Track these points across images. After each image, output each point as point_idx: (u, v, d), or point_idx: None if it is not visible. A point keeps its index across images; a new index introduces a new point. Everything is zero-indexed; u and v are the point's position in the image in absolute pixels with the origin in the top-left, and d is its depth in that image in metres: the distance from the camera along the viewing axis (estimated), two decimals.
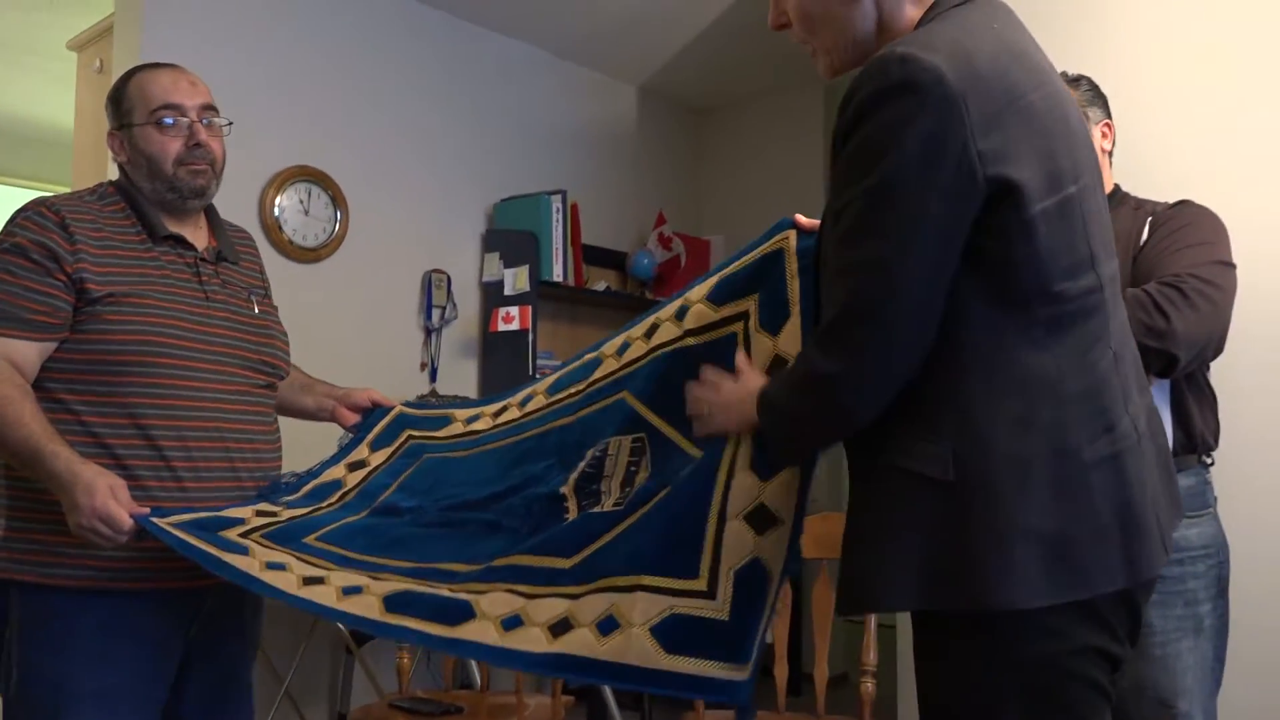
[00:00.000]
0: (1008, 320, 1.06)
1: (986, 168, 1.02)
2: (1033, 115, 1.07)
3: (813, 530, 1.41)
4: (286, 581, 1.44)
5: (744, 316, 1.44)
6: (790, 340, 1.36)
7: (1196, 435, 1.72)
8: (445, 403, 1.92)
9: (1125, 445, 1.08)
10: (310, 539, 1.58)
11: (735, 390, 1.31)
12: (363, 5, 3.42)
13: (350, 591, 1.43)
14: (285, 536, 1.57)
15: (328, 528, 1.62)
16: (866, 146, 1.06)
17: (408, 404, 1.91)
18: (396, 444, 1.83)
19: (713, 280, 1.51)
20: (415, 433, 1.84)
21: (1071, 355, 1.07)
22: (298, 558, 1.51)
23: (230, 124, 1.77)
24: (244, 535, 1.54)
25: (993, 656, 1.06)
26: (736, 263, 1.47)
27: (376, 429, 1.86)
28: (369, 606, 1.39)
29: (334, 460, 1.83)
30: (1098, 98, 1.89)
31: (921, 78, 1.02)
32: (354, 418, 1.89)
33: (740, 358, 1.37)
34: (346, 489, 1.75)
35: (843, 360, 1.08)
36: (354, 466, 1.80)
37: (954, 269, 1.05)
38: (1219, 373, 1.80)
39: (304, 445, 2.00)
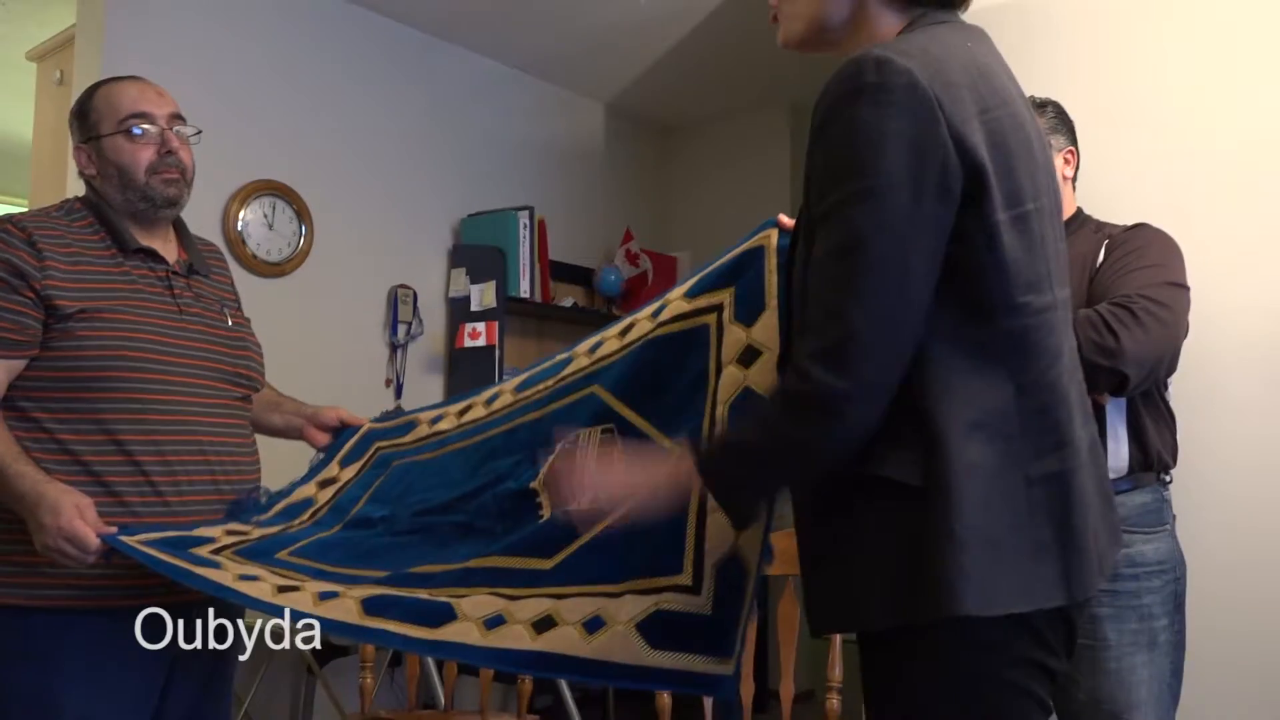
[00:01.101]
0: (972, 332, 1.07)
1: (964, 155, 1.03)
2: (996, 130, 1.08)
3: (779, 546, 1.41)
4: (260, 590, 1.42)
5: (718, 308, 1.44)
6: (764, 331, 1.36)
7: (1153, 453, 1.75)
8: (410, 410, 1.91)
9: (1074, 464, 1.09)
10: (283, 554, 1.56)
11: (647, 468, 1.22)
12: (328, 19, 3.41)
13: (327, 596, 1.42)
14: (257, 553, 1.55)
15: (301, 543, 1.61)
16: (846, 150, 1.05)
17: (375, 420, 1.89)
18: (366, 457, 1.82)
19: (692, 280, 1.51)
20: (383, 443, 1.83)
21: (1031, 371, 1.08)
22: (271, 570, 1.50)
23: (199, 132, 1.76)
24: (215, 553, 1.52)
25: (932, 670, 1.07)
26: (717, 262, 1.48)
27: (346, 447, 1.85)
28: (347, 611, 1.37)
29: (305, 480, 1.81)
30: (1063, 124, 1.92)
31: (896, 80, 1.03)
32: (323, 438, 1.87)
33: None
34: (318, 506, 1.73)
35: (857, 372, 1.03)
36: (325, 484, 1.79)
37: (940, 268, 1.05)
38: (1179, 391, 1.84)
39: (279, 459, 1.97)
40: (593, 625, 1.28)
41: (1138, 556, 1.73)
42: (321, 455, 1.86)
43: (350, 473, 1.79)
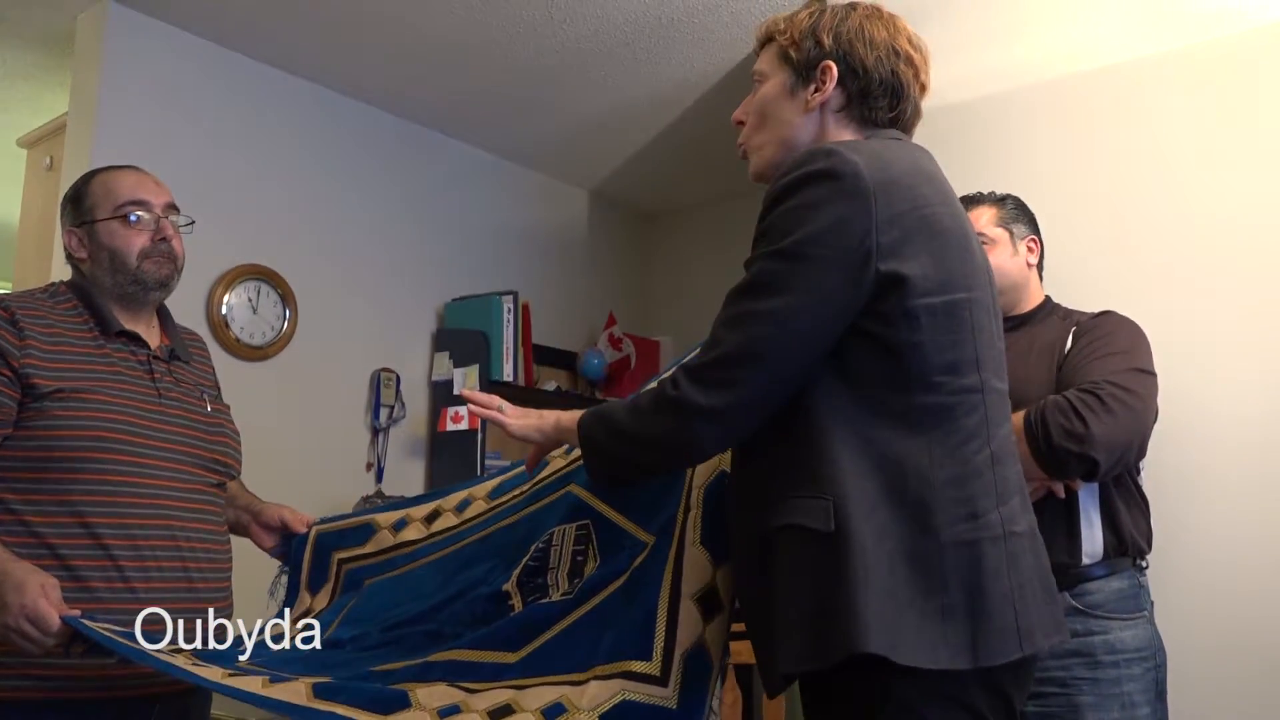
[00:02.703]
0: (889, 401, 1.15)
1: (881, 261, 1.13)
2: (933, 223, 1.18)
3: None
4: (212, 672, 1.38)
5: None
6: None
7: (1127, 538, 1.75)
8: (361, 509, 1.84)
9: (987, 535, 1.13)
10: (242, 661, 1.52)
11: (547, 413, 1.41)
12: (315, 107, 3.48)
13: (277, 680, 1.38)
14: (214, 658, 1.51)
15: (261, 657, 1.56)
16: (784, 218, 1.17)
17: (322, 521, 1.84)
18: (332, 577, 1.77)
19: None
20: (343, 554, 1.77)
21: (944, 445, 1.14)
22: (225, 670, 1.46)
23: (192, 223, 1.79)
24: (172, 652, 1.48)
25: None
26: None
27: (305, 566, 1.79)
28: (296, 693, 1.33)
29: (278, 616, 1.76)
30: (1023, 214, 1.97)
31: (842, 169, 1.15)
32: (268, 539, 1.83)
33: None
34: (291, 638, 1.70)
35: (718, 397, 1.15)
36: (298, 618, 1.74)
37: (832, 344, 1.15)
38: (1152, 477, 1.85)
39: (250, 547, 1.94)
40: (552, 712, 1.25)
41: (1117, 643, 1.72)
42: (283, 576, 1.82)
43: (323, 600, 1.75)
